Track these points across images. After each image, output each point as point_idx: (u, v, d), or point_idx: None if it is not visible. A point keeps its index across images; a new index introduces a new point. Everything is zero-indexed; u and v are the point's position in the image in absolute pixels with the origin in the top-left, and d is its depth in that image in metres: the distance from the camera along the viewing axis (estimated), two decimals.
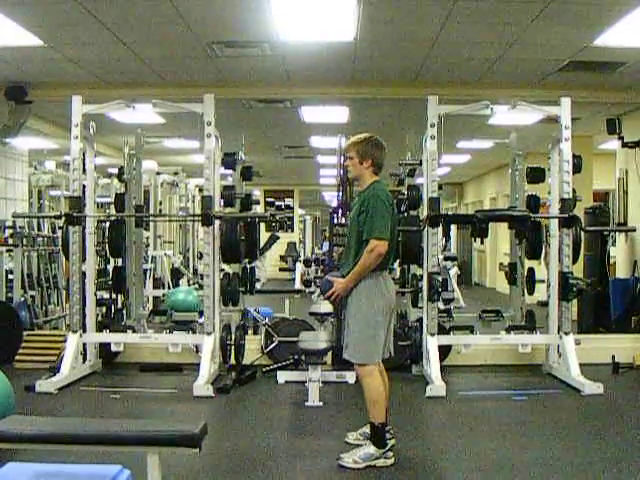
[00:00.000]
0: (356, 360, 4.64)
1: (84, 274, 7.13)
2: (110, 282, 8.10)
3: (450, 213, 17.72)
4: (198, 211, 11.90)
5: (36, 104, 8.37)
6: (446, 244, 15.03)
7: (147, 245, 11.06)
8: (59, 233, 9.08)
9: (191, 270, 13.44)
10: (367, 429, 4.71)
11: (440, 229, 7.05)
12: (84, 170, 7.16)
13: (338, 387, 6.68)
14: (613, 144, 9.83)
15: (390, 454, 4.56)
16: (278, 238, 15.88)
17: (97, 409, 6.04)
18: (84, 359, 7.15)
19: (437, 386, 6.42)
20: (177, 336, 7.36)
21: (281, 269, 18.97)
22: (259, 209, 17.73)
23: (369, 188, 4.66)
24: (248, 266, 8.12)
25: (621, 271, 9.81)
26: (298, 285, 15.11)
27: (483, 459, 4.75)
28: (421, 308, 7.38)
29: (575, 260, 7.21)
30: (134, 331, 7.60)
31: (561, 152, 6.99)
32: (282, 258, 20.04)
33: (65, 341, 6.99)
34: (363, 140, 4.74)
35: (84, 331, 7.06)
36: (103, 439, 2.59)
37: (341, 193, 7.81)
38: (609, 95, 8.42)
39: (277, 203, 21.46)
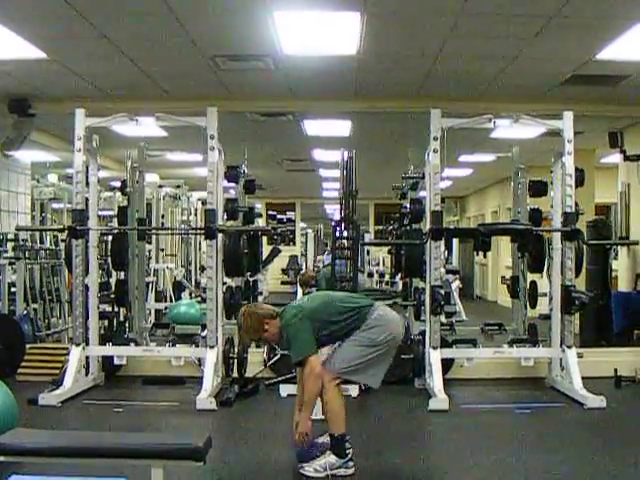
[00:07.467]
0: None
1: (87, 287, 7.13)
2: (113, 295, 8.09)
3: (452, 227, 17.76)
4: (200, 224, 12.00)
5: (39, 117, 8.39)
6: (448, 257, 15.06)
7: (149, 258, 11.05)
8: (62, 246, 9.08)
9: (193, 283, 13.44)
10: (326, 439, 4.70)
11: (442, 242, 7.05)
12: (87, 183, 7.17)
13: None
14: (615, 157, 9.84)
15: (351, 464, 4.57)
16: (280, 251, 15.84)
17: (100, 422, 6.02)
18: (87, 372, 7.13)
19: (440, 399, 6.40)
20: (180, 349, 7.36)
21: (283, 282, 18.91)
22: (261, 222, 17.82)
23: (281, 326, 4.70)
24: (250, 279, 8.12)
25: (623, 284, 9.80)
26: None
27: (485, 472, 4.74)
28: (423, 321, 7.37)
29: (578, 273, 7.21)
30: (137, 344, 7.60)
31: (564, 165, 6.99)
32: (284, 271, 20.00)
33: (68, 354, 6.99)
34: (245, 323, 4.75)
35: (87, 344, 7.05)
36: (107, 452, 2.59)
37: (343, 206, 7.80)
38: (612, 109, 8.42)
39: (279, 216, 21.47)
